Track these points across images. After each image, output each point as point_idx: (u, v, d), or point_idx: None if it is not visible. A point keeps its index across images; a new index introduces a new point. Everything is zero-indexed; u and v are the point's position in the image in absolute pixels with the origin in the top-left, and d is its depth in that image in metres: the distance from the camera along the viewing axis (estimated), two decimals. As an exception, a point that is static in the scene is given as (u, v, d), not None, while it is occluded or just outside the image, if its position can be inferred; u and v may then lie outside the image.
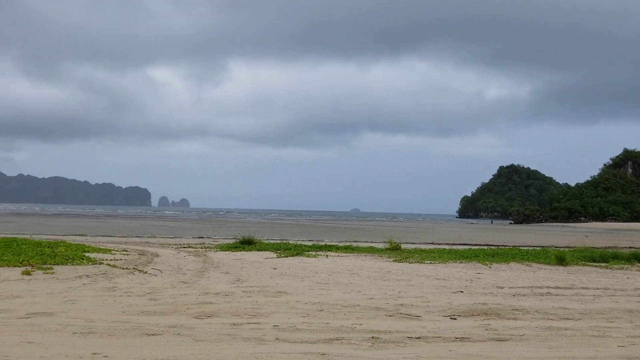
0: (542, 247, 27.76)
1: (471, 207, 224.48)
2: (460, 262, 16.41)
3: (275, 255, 17.77)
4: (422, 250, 21.18)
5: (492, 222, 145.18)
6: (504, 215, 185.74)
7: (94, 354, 5.65)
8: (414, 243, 30.68)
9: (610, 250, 21.78)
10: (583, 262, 16.91)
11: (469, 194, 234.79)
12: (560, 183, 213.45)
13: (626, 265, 16.68)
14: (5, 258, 12.87)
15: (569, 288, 11.46)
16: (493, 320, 7.91)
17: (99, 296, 9.15)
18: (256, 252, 19.18)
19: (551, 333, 7.12)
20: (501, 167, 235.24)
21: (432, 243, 32.28)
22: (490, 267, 15.38)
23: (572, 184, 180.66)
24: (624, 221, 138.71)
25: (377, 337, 6.63)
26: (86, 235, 31.14)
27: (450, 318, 7.98)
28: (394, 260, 16.79)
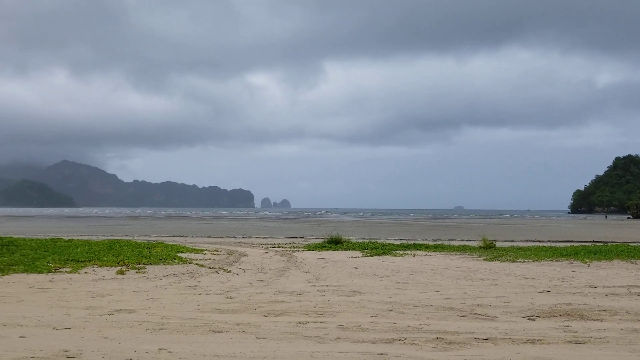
0: (658, 243, 25.32)
1: (584, 202, 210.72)
2: (557, 260, 15.45)
3: (360, 254, 17.71)
4: (518, 248, 20.21)
5: (606, 217, 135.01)
6: (621, 209, 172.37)
7: (160, 349, 5.91)
8: (513, 241, 29.37)
9: None
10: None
11: (582, 188, 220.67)
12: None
13: None
14: (105, 259, 13.91)
15: (677, 288, 10.34)
16: (575, 321, 7.32)
17: (180, 294, 9.59)
18: (342, 251, 19.23)
19: (637, 336, 6.48)
20: (617, 158, 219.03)
21: (534, 240, 30.66)
22: (589, 265, 14.30)
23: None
24: None
25: (442, 338, 6.37)
26: (186, 237, 32.88)
27: (528, 319, 7.48)
28: (484, 259, 16.14)
